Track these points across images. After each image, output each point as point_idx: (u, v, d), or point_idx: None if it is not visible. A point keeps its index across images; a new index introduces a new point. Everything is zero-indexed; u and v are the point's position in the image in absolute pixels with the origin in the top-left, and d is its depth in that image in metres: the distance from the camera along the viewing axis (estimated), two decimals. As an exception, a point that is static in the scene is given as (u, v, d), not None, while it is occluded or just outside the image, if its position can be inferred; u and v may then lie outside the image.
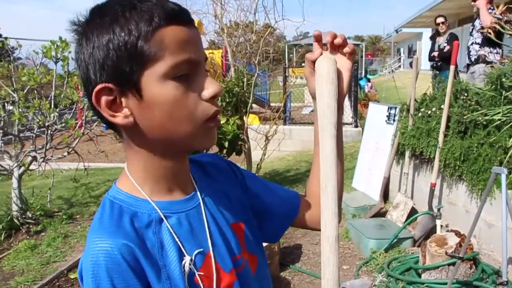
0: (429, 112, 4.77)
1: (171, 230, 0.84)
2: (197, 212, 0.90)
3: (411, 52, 35.64)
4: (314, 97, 0.95)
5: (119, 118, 0.80)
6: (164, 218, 0.84)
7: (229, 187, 1.02)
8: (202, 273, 0.86)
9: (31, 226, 5.29)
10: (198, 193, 0.93)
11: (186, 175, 0.93)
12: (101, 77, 0.78)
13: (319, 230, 0.85)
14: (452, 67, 4.26)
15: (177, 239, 0.84)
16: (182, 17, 0.80)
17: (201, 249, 0.87)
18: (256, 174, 1.14)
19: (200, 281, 0.85)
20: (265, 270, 1.03)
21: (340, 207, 1.01)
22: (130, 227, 0.81)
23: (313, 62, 0.92)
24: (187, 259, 0.84)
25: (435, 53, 7.43)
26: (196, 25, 0.86)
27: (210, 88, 0.82)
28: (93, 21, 0.79)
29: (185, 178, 0.93)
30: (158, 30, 0.76)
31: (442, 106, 4.40)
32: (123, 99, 0.80)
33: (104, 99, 0.79)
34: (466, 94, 4.29)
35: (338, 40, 0.92)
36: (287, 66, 10.24)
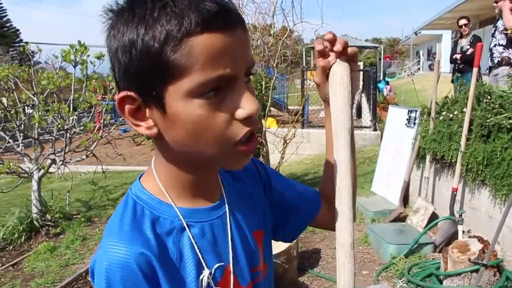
0: (451, 115, 4.68)
1: (192, 240, 0.79)
2: (222, 222, 0.85)
3: (430, 54, 35.34)
4: (325, 101, 0.93)
5: (142, 128, 0.74)
6: (186, 227, 0.79)
7: (254, 189, 0.97)
8: None
9: (50, 228, 5.34)
10: (226, 200, 0.88)
11: (214, 183, 0.88)
12: (125, 83, 0.71)
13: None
14: (475, 70, 4.17)
15: (197, 251, 0.79)
16: (221, 20, 0.67)
17: (222, 263, 0.82)
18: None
19: None
20: (271, 277, 1.00)
21: (355, 210, 0.99)
22: (151, 234, 0.75)
23: (326, 69, 0.86)
24: (205, 273, 0.79)
25: (457, 56, 7.29)
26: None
27: (246, 107, 0.71)
28: (122, 14, 0.69)
29: (213, 186, 0.87)
30: (187, 39, 0.65)
31: (464, 109, 4.31)
32: (147, 110, 0.73)
33: (127, 107, 0.72)
34: (489, 97, 4.19)
35: (337, 48, 0.83)
36: (305, 68, 10.19)
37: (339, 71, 0.86)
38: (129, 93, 0.71)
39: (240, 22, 0.71)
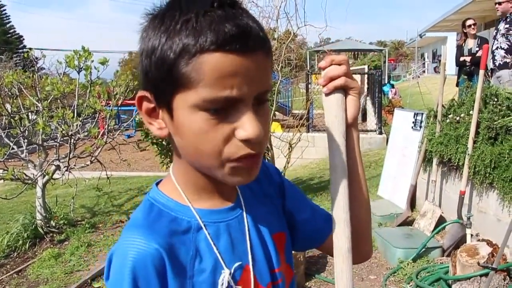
0: (458, 118, 4.63)
1: (210, 240, 0.81)
2: (239, 223, 0.87)
3: (435, 56, 35.28)
4: None
5: (154, 128, 0.79)
6: (203, 227, 0.81)
7: (271, 190, 0.98)
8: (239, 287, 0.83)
9: (54, 235, 5.32)
10: (242, 201, 0.89)
11: (229, 185, 0.87)
12: (144, 83, 0.77)
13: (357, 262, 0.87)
14: (481, 71, 4.13)
15: (215, 250, 0.81)
16: (237, 43, 0.69)
17: (240, 263, 0.84)
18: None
19: None
20: (294, 284, 0.99)
21: (369, 229, 1.07)
22: (166, 232, 0.78)
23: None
24: (226, 272, 0.80)
25: (467, 58, 7.16)
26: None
27: (247, 129, 0.72)
28: (154, 20, 0.75)
29: (228, 188, 0.87)
30: (200, 55, 0.69)
31: (471, 112, 4.26)
32: (160, 111, 0.78)
33: (145, 105, 0.79)
34: (496, 99, 4.15)
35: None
36: (309, 72, 10.14)
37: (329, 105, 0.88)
38: (146, 93, 0.77)
39: (261, 47, 0.73)
